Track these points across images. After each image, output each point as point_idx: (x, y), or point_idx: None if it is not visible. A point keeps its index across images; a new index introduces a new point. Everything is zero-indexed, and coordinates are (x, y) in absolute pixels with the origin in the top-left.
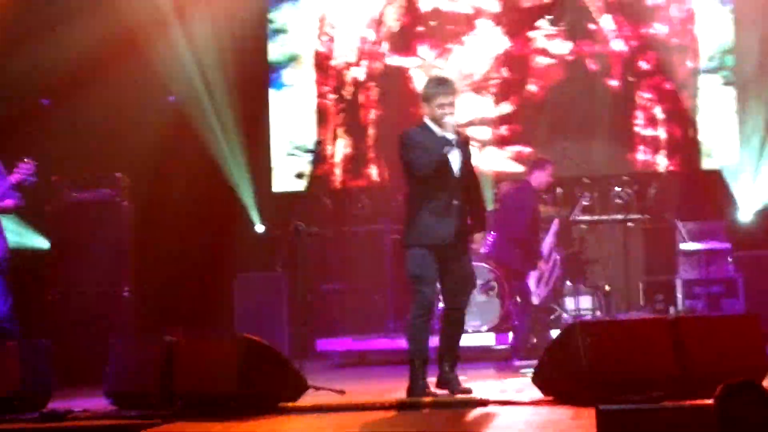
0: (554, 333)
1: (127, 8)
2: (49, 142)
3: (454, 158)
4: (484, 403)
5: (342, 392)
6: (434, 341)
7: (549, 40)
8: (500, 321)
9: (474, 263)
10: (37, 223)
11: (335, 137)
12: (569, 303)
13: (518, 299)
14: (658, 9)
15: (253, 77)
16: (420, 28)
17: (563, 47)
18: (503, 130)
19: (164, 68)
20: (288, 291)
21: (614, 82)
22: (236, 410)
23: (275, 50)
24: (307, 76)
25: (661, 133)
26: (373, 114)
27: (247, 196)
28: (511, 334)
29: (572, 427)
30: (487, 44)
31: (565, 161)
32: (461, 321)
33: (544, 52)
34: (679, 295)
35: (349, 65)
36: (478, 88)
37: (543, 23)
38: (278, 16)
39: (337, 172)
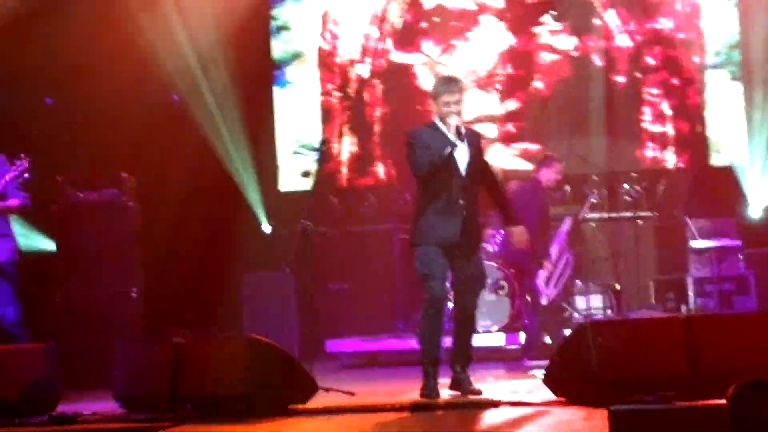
0: (567, 332)
1: (131, 6)
2: (53, 141)
3: (461, 157)
4: (495, 404)
5: (352, 394)
6: (448, 342)
7: (554, 36)
8: (510, 320)
9: (485, 262)
10: (43, 223)
11: (341, 135)
12: (580, 302)
13: (528, 298)
14: (664, 3)
15: (257, 75)
16: (424, 25)
17: (568, 43)
18: (509, 127)
19: (168, 67)
20: (296, 291)
21: (620, 78)
22: (245, 412)
23: (279, 47)
24: (311, 74)
25: (669, 129)
26: (378, 112)
27: (253, 195)
28: (521, 334)
29: (584, 427)
30: (491, 40)
31: (573, 158)
32: (472, 321)
33: (549, 48)
34: (691, 294)
35: (353, 62)
36: (484, 84)
37: (547, 19)
38: (281, 13)
39: (344, 170)
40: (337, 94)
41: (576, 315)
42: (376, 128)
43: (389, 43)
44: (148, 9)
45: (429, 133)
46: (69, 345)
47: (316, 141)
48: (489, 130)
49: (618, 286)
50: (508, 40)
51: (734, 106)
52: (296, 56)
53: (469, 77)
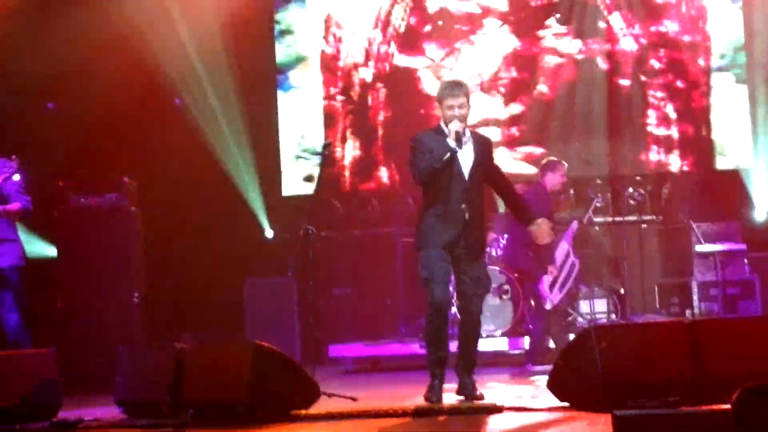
0: (572, 337)
1: (134, 11)
2: (55, 146)
3: (464, 161)
4: (499, 409)
5: (354, 399)
6: (454, 347)
7: (558, 39)
8: (514, 325)
9: (488, 267)
10: (44, 229)
11: (344, 139)
12: (584, 306)
13: (533, 303)
14: (669, 6)
15: (260, 79)
16: (427, 28)
17: (573, 46)
18: (514, 130)
19: (171, 71)
20: (299, 296)
21: (625, 81)
22: (247, 418)
23: (282, 51)
24: (314, 78)
25: (674, 132)
26: (381, 116)
27: (255, 199)
28: (526, 339)
29: None
30: (495, 44)
31: (577, 162)
32: (476, 325)
33: (553, 51)
34: (695, 298)
35: (356, 66)
36: (488, 88)
37: (552, 22)
38: (285, 17)
39: (347, 174)
40: (340, 98)
41: (580, 319)
42: (380, 132)
43: (393, 47)
44: (152, 13)
45: (432, 137)
46: (71, 350)
47: (319, 145)
48: (493, 134)
49: (622, 291)
50: (513, 43)
51: (739, 109)
52: (299, 60)
53: (473, 81)
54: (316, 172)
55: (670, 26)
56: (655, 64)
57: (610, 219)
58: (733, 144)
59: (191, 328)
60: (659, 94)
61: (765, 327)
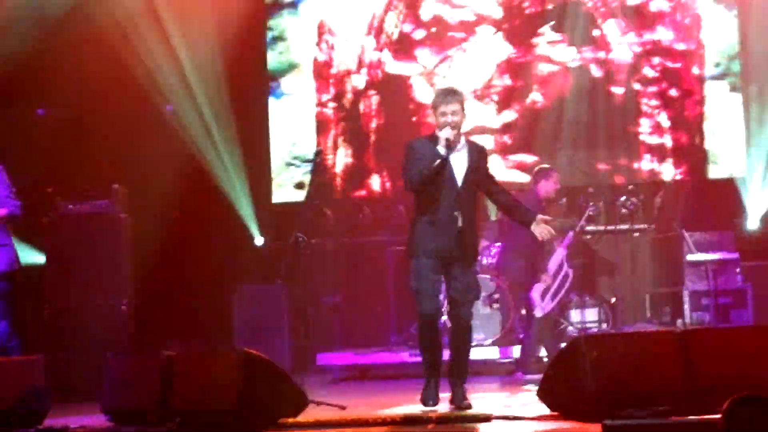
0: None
1: (125, 16)
2: (44, 152)
3: (456, 168)
4: (488, 418)
5: (343, 407)
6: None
7: (552, 47)
8: (504, 334)
9: (478, 275)
10: (33, 236)
11: (336, 146)
12: (575, 316)
13: (524, 312)
14: (663, 14)
15: (252, 86)
16: (421, 36)
17: (566, 54)
18: (506, 138)
19: (162, 77)
20: (288, 304)
21: (619, 89)
22: (236, 426)
23: (274, 58)
24: (306, 85)
25: (668, 140)
26: (374, 123)
27: (246, 206)
28: (516, 348)
29: None
30: (489, 51)
31: (570, 170)
32: (466, 332)
33: (547, 59)
34: (687, 307)
35: (349, 73)
36: (481, 95)
37: (546, 30)
38: (277, 24)
39: (338, 182)
40: (332, 105)
41: (571, 328)
42: (372, 139)
43: (386, 54)
44: (143, 19)
45: (425, 144)
46: (58, 357)
47: (310, 152)
48: (485, 142)
49: (613, 300)
50: (506, 50)
51: (733, 118)
52: (292, 67)
53: (466, 88)
54: (307, 179)
55: (664, 34)
56: (649, 72)
57: (602, 228)
58: (727, 153)
59: (180, 335)
60: (653, 103)
61: (756, 336)
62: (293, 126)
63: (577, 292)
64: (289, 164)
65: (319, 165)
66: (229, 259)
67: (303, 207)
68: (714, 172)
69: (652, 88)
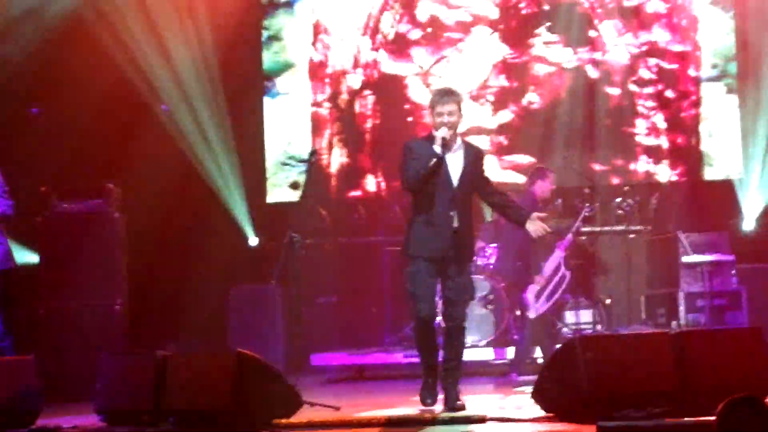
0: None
1: (120, 17)
2: (38, 151)
3: (453, 168)
4: (482, 419)
5: (337, 408)
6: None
7: (548, 48)
8: (499, 335)
9: (473, 276)
10: (26, 235)
11: (331, 147)
12: (569, 317)
13: (518, 313)
14: (660, 16)
15: (247, 85)
16: (417, 36)
17: (563, 55)
18: (502, 139)
19: (157, 76)
20: (282, 304)
21: (615, 90)
22: (229, 427)
23: (270, 58)
24: (302, 84)
25: (663, 142)
26: (369, 123)
27: (240, 206)
28: (510, 349)
29: None
30: (485, 52)
31: (565, 171)
32: (460, 332)
33: (543, 60)
34: (682, 309)
35: (344, 73)
36: (477, 96)
37: (542, 30)
38: (273, 23)
39: (333, 182)
40: (327, 105)
41: (566, 330)
42: (367, 140)
43: (382, 54)
44: (138, 18)
45: (422, 144)
46: (51, 357)
47: (305, 152)
48: (481, 142)
49: (608, 301)
50: (502, 51)
51: (730, 119)
52: (287, 66)
53: (462, 89)
54: (302, 179)
55: (660, 35)
56: (645, 73)
57: (598, 229)
58: (723, 154)
59: (174, 335)
60: (649, 104)
61: (751, 338)
62: (288, 126)
63: (572, 293)
64: (284, 164)
65: (314, 165)
66: (223, 259)
67: (298, 207)
68: (710, 173)
69: (649, 90)
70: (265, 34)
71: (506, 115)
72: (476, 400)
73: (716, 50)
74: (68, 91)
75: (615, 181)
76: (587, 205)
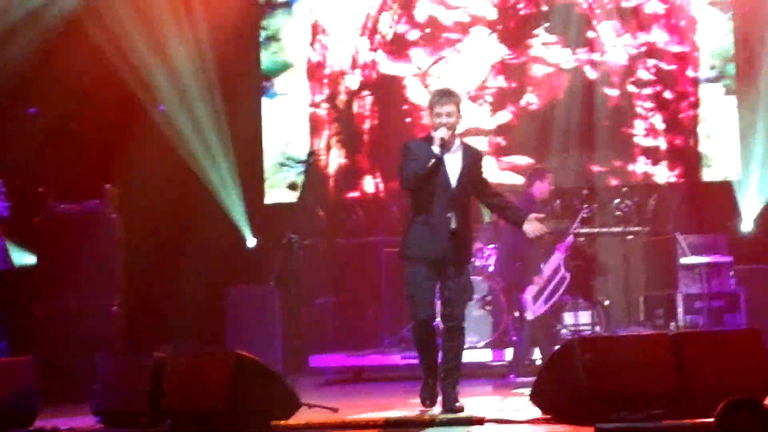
0: None
1: (118, 18)
2: (35, 152)
3: (451, 169)
4: (480, 421)
5: (335, 410)
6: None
7: (547, 48)
8: (497, 336)
9: (471, 277)
10: (24, 236)
11: (329, 147)
12: (568, 318)
13: (517, 314)
14: (658, 17)
15: (245, 86)
16: (415, 36)
17: (561, 55)
18: (500, 140)
19: (154, 77)
20: (280, 305)
21: (613, 91)
22: (227, 428)
23: (268, 58)
24: (300, 85)
25: (662, 143)
26: (367, 124)
27: (238, 207)
28: (509, 350)
29: None
30: (483, 52)
31: (564, 172)
32: (459, 333)
33: (541, 61)
34: (680, 310)
35: (343, 74)
36: (475, 97)
37: (540, 31)
38: (271, 24)
39: (331, 183)
40: (326, 105)
41: (564, 331)
42: (365, 140)
43: (380, 55)
44: (135, 18)
45: (420, 145)
46: (49, 359)
47: (303, 153)
48: (479, 143)
49: (607, 302)
50: (501, 52)
51: (728, 120)
52: (285, 67)
53: (460, 89)
54: (300, 180)
55: (659, 36)
56: (644, 74)
57: (596, 230)
58: (721, 155)
59: (171, 336)
60: (647, 105)
61: (749, 340)
62: (286, 126)
63: (571, 294)
64: (282, 165)
65: (312, 166)
66: (221, 260)
67: (296, 208)
68: (708, 174)
69: (647, 90)
70: (263, 34)
71: (504, 116)
72: (475, 401)
73: (715, 51)
74: (66, 92)
75: (613, 182)
76: (585, 206)
